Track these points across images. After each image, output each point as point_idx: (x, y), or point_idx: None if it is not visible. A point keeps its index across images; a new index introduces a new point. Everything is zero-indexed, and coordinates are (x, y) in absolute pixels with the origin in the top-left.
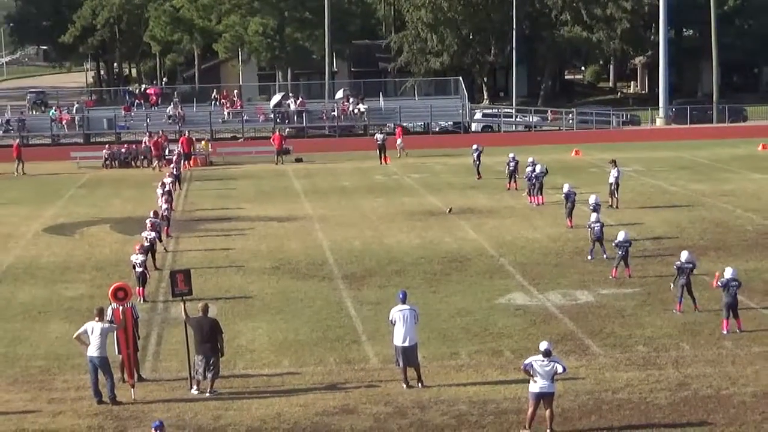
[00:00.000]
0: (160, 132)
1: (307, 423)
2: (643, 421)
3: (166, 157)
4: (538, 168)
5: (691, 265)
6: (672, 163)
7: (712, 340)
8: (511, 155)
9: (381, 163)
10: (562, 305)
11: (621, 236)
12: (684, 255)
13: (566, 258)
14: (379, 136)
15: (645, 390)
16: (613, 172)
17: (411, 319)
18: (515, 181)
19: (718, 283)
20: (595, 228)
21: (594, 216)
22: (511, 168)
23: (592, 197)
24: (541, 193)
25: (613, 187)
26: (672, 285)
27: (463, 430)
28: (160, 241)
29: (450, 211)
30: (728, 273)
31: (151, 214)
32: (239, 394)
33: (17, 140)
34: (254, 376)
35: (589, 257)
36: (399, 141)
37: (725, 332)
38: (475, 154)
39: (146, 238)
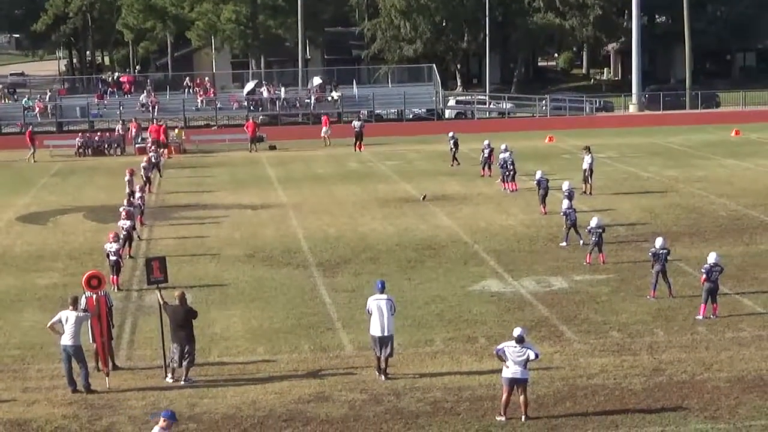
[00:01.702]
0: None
1: (283, 410)
2: (618, 407)
3: (138, 145)
4: (508, 155)
5: (665, 251)
6: (645, 150)
7: (686, 326)
8: (486, 142)
9: (355, 150)
10: (536, 292)
11: (594, 222)
12: (659, 241)
13: (540, 245)
14: (356, 123)
15: (619, 376)
16: (587, 159)
17: (388, 310)
18: (489, 168)
19: (702, 269)
20: (571, 214)
21: (566, 203)
22: (485, 155)
23: (566, 183)
24: (514, 180)
25: (586, 174)
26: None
27: (439, 417)
28: (134, 229)
29: (424, 198)
30: (711, 258)
31: (125, 203)
32: (214, 382)
33: (30, 127)
34: (229, 363)
35: (564, 243)
36: (325, 129)
37: (701, 317)
38: (452, 142)
39: (122, 228)
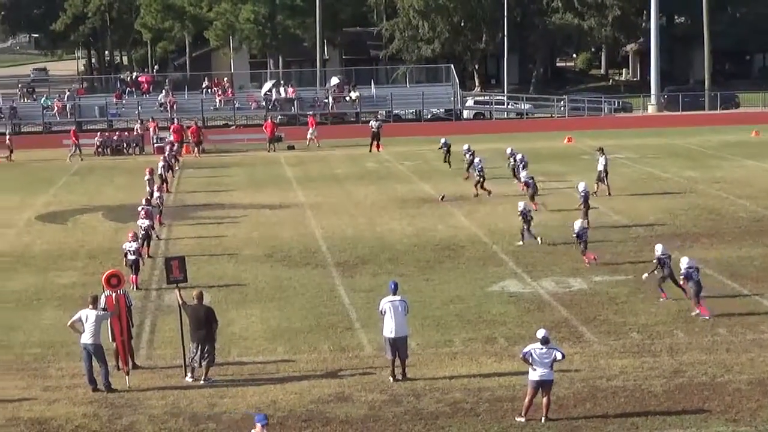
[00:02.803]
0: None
1: (302, 410)
2: (638, 409)
3: (156, 145)
4: (476, 160)
5: (667, 256)
6: (664, 150)
7: (706, 328)
8: (509, 150)
9: (371, 150)
10: (555, 292)
11: (577, 226)
12: (659, 247)
13: (559, 245)
14: (373, 123)
15: (640, 377)
16: (601, 160)
17: (401, 311)
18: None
19: (681, 274)
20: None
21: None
22: (512, 163)
23: (581, 185)
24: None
25: (601, 175)
26: (646, 275)
27: (458, 418)
28: (153, 228)
29: (443, 198)
30: (684, 263)
31: (144, 202)
32: (234, 382)
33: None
34: (248, 363)
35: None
36: (311, 131)
37: (707, 317)
38: (445, 148)
39: (141, 227)
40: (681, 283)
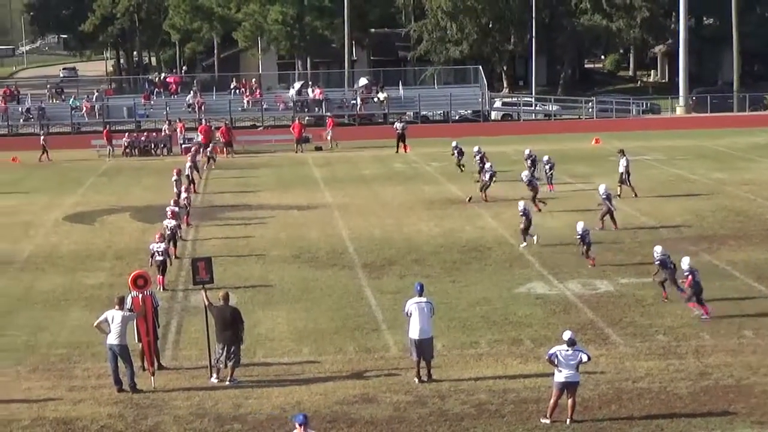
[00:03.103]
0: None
1: (327, 411)
2: (664, 411)
3: (184, 146)
4: (487, 165)
5: (667, 256)
6: (692, 152)
7: (732, 330)
8: (527, 151)
9: (397, 151)
10: (582, 294)
11: (579, 227)
12: (658, 249)
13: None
14: (398, 125)
15: (665, 379)
16: (622, 161)
17: (427, 312)
18: (550, 183)
19: (685, 273)
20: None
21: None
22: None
23: (602, 187)
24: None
25: (623, 177)
26: (654, 278)
27: (483, 420)
28: (179, 228)
29: (470, 200)
30: (685, 263)
31: (171, 203)
32: (259, 383)
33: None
34: (274, 364)
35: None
36: (328, 131)
37: (707, 317)
38: (456, 151)
39: (167, 227)
40: (680, 283)
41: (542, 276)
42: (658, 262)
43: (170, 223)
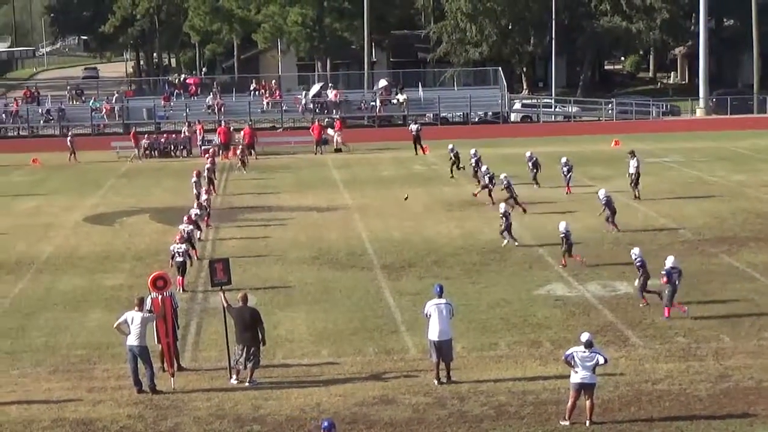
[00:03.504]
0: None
1: (347, 413)
2: (683, 413)
3: (203, 147)
4: (483, 168)
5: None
6: (712, 154)
7: (752, 332)
8: (528, 153)
9: (416, 153)
10: (601, 296)
11: (562, 227)
12: (636, 251)
13: (605, 249)
14: (413, 127)
15: (685, 381)
16: (632, 163)
17: (446, 314)
18: (568, 186)
19: (662, 272)
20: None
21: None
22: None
23: (601, 191)
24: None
25: (633, 178)
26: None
27: (502, 421)
28: (200, 229)
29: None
30: (669, 262)
31: (195, 206)
32: (278, 384)
33: (133, 128)
34: (293, 365)
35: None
36: (337, 132)
37: (666, 317)
38: (452, 154)
39: (183, 231)
40: (663, 281)
41: (561, 277)
42: (639, 263)
43: (187, 227)
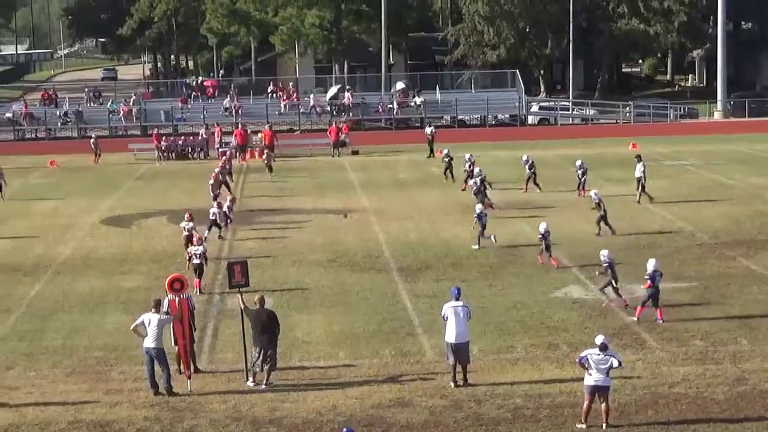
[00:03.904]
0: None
1: (363, 415)
2: (700, 416)
3: (221, 149)
4: (476, 170)
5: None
6: (730, 157)
7: None
8: (524, 157)
9: (433, 156)
10: (618, 298)
11: (542, 227)
12: (605, 252)
13: (622, 252)
14: (428, 130)
15: (702, 384)
16: (639, 167)
17: (463, 316)
18: (582, 189)
19: (646, 276)
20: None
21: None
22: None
23: (592, 192)
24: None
25: (642, 182)
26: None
27: (519, 424)
28: (219, 227)
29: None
30: (651, 265)
31: (215, 205)
32: (295, 386)
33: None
34: (310, 368)
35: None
36: (343, 136)
37: (637, 319)
38: (447, 160)
39: (184, 228)
40: (646, 285)
41: (578, 280)
42: (607, 264)
43: (188, 224)
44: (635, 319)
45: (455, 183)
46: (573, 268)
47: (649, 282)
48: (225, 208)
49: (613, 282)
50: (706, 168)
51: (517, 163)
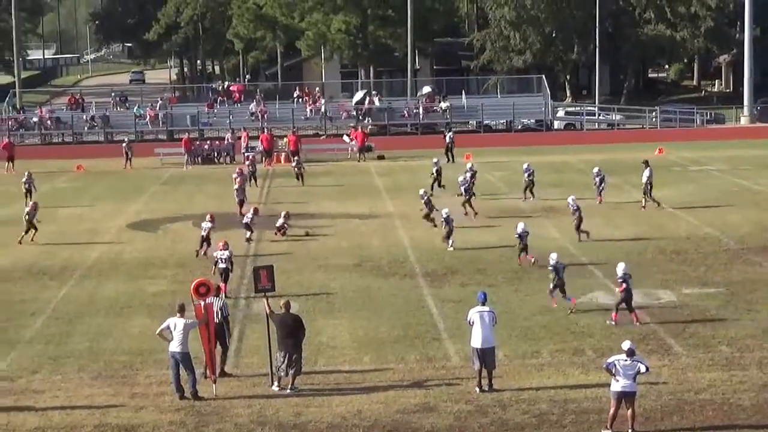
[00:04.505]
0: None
1: (388, 420)
2: (726, 422)
3: (246, 154)
4: (460, 178)
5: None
6: (757, 162)
7: None
8: (525, 165)
9: (448, 161)
10: (644, 304)
11: (520, 227)
12: (554, 256)
13: (648, 257)
14: (447, 136)
15: (728, 391)
16: (646, 172)
17: (489, 322)
18: (600, 196)
19: (618, 280)
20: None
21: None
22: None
23: (570, 198)
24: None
25: (646, 187)
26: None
27: (544, 429)
28: (251, 231)
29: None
30: (620, 269)
31: (252, 210)
32: (320, 391)
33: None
34: (335, 372)
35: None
36: (353, 142)
37: (614, 323)
38: (435, 169)
39: (204, 229)
40: (620, 290)
41: (604, 286)
42: (552, 268)
43: (207, 224)
44: (612, 323)
45: (446, 190)
46: (598, 274)
47: (623, 285)
48: (247, 219)
49: (553, 285)
50: (732, 173)
51: (543, 168)
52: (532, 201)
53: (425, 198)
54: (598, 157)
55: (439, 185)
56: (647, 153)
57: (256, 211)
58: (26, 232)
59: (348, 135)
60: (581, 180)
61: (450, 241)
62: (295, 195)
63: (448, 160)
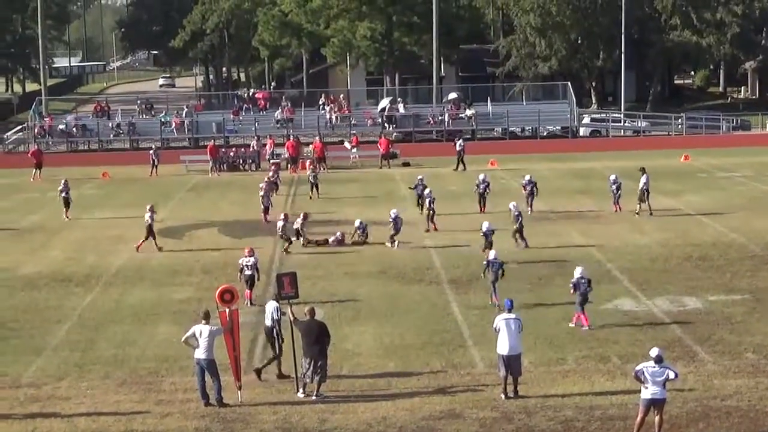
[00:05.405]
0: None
1: (413, 427)
2: (752, 429)
3: (272, 161)
4: (426, 190)
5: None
6: None
7: None
8: (527, 177)
9: (456, 169)
10: (669, 311)
11: (485, 226)
12: (492, 253)
13: (674, 264)
14: (458, 143)
15: (754, 398)
16: (642, 179)
17: (515, 329)
18: (617, 204)
19: (571, 282)
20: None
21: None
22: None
23: (511, 204)
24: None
25: (643, 194)
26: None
27: None
28: (289, 241)
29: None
30: (578, 272)
31: (282, 216)
32: (345, 398)
33: (212, 141)
34: (360, 379)
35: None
36: (355, 150)
37: (586, 327)
38: (420, 188)
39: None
40: (571, 292)
41: (629, 292)
42: (486, 263)
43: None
44: (585, 328)
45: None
46: (624, 280)
47: (573, 288)
48: (297, 225)
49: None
50: (758, 180)
51: (568, 175)
52: (530, 213)
53: (393, 216)
54: (624, 163)
55: (418, 204)
56: (674, 159)
57: (286, 217)
58: (146, 239)
59: (349, 141)
60: (606, 186)
61: (395, 242)
62: (320, 201)
63: (457, 168)
